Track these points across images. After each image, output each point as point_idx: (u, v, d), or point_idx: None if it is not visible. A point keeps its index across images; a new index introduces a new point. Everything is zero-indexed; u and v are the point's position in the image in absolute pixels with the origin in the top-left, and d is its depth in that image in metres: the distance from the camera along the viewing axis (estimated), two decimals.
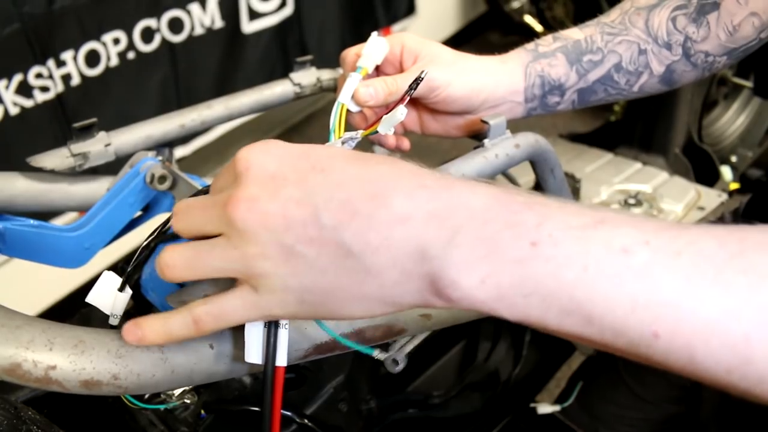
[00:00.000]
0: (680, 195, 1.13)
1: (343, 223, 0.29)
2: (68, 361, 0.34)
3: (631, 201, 1.11)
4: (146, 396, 0.53)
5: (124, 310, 0.45)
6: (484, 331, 0.88)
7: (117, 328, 0.45)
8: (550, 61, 0.60)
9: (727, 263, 0.26)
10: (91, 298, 0.40)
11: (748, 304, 0.25)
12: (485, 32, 2.85)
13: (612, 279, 0.27)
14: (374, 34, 0.57)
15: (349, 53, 0.57)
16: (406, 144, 0.61)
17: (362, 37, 0.57)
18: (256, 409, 0.53)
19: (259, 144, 0.32)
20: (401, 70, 0.58)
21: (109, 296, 0.40)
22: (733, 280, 0.26)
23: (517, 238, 0.28)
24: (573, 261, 0.27)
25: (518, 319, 0.29)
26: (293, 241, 0.29)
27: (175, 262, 0.32)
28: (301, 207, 0.30)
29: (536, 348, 0.92)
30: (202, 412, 0.53)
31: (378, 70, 0.59)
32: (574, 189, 1.07)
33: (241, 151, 0.32)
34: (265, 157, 0.31)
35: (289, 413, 0.54)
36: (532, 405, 0.95)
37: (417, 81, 0.50)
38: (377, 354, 0.39)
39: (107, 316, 0.46)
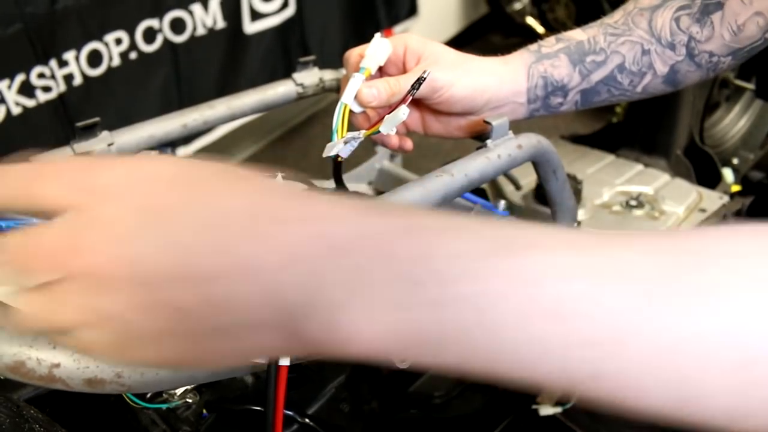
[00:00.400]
0: (682, 197, 1.13)
1: (211, 275, 0.25)
2: (72, 359, 0.34)
3: (633, 203, 1.11)
4: (148, 395, 0.53)
5: None
6: None
7: None
8: (553, 62, 0.60)
9: (659, 278, 0.23)
10: None
11: (686, 328, 0.22)
12: (487, 34, 2.85)
13: (526, 319, 0.23)
14: (377, 35, 0.57)
15: (353, 54, 0.58)
16: (408, 144, 0.62)
17: (364, 38, 0.57)
18: (258, 408, 0.53)
19: (122, 167, 0.26)
20: (404, 70, 0.58)
21: None
22: (666, 299, 0.23)
23: (416, 280, 0.24)
24: (483, 300, 0.23)
25: (414, 364, 0.25)
26: (154, 290, 0.25)
27: (25, 314, 0.26)
28: (168, 256, 0.25)
29: None
30: (204, 411, 0.53)
31: (381, 71, 0.59)
32: (576, 190, 1.07)
33: (99, 173, 0.26)
34: (125, 187, 0.26)
35: (290, 413, 0.55)
36: (533, 407, 0.95)
37: (419, 81, 0.50)
38: None
39: None
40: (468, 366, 0.24)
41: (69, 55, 1.47)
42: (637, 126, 1.31)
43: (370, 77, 0.56)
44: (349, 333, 0.24)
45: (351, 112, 0.55)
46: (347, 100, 0.54)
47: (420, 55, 0.57)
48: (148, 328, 0.25)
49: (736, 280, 0.23)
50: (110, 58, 1.55)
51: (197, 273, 0.24)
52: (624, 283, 0.23)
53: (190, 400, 0.52)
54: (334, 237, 0.25)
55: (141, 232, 0.25)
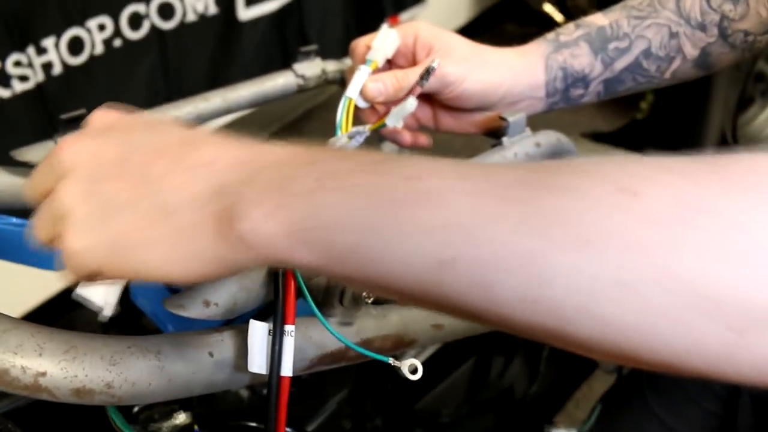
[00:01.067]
0: None
1: (150, 163, 0.32)
2: (59, 368, 0.35)
3: None
4: (135, 410, 0.53)
5: (117, 300, 0.45)
6: (498, 346, 0.89)
7: (109, 330, 0.45)
8: (572, 50, 0.60)
9: (516, 182, 0.27)
10: (81, 290, 0.40)
11: (535, 216, 0.26)
12: (501, 22, 2.86)
13: (397, 205, 0.28)
14: (385, 25, 0.58)
15: (359, 44, 0.58)
16: (423, 140, 0.62)
17: (368, 26, 0.58)
18: (255, 424, 0.54)
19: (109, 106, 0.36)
20: (414, 62, 0.58)
21: (100, 285, 0.40)
22: (520, 195, 0.26)
23: (310, 173, 0.30)
24: (360, 190, 0.28)
25: (311, 261, 0.29)
26: (98, 178, 0.32)
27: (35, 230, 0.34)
28: (116, 148, 0.32)
29: (554, 364, 0.93)
30: (196, 427, 0.54)
31: (390, 63, 0.59)
32: None
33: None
34: (106, 112, 0.35)
35: (289, 429, 0.55)
36: (546, 427, 0.95)
37: (428, 71, 0.51)
38: (393, 361, 0.40)
39: (93, 321, 0.47)
40: (357, 258, 0.28)
41: (48, 42, 1.48)
42: (664, 123, 1.32)
43: (377, 70, 0.57)
44: (263, 217, 0.29)
45: (356, 106, 0.56)
46: (352, 94, 0.55)
47: (431, 46, 0.57)
48: (80, 217, 0.31)
49: (580, 180, 0.26)
50: (93, 46, 1.56)
51: (131, 160, 0.32)
52: (466, 180, 0.28)
53: (178, 422, 0.53)
54: (238, 154, 0.32)
55: (102, 137, 0.33)
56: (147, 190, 0.31)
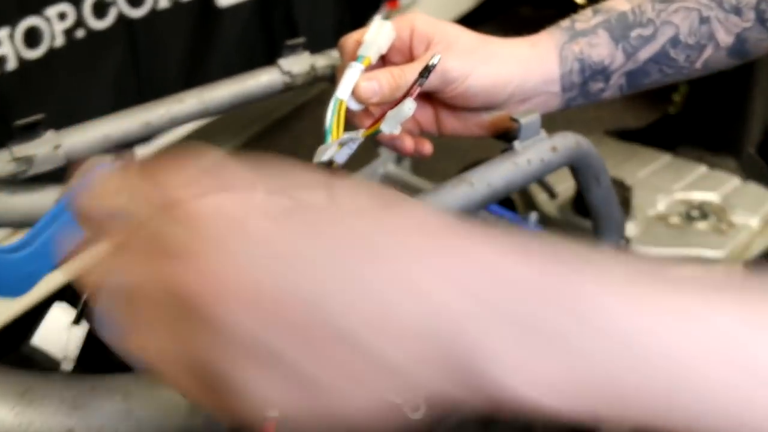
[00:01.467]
0: (756, 205, 1.13)
1: (322, 285, 0.27)
2: (13, 414, 0.35)
3: (695, 213, 1.11)
4: None
5: (77, 353, 0.46)
6: None
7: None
8: (590, 39, 0.61)
9: None
10: (39, 340, 0.40)
11: None
12: (514, 5, 2.87)
13: (730, 364, 0.27)
14: (378, 16, 0.58)
15: (349, 39, 0.58)
16: (427, 148, 0.62)
17: (361, 14, 0.58)
18: None
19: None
20: (411, 58, 0.59)
21: (61, 334, 0.41)
22: None
23: (576, 320, 0.27)
24: (662, 349, 0.27)
25: (589, 418, 0.29)
26: (259, 325, 0.27)
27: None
28: (269, 275, 0.27)
29: None
30: None
31: (384, 60, 0.60)
32: (623, 199, 1.07)
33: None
34: (228, 201, 0.29)
35: None
36: None
37: (427, 69, 0.51)
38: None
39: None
40: (636, 412, 0.28)
41: (1, 33, 1.48)
42: (700, 118, 1.32)
43: (371, 67, 0.57)
44: (526, 383, 0.27)
45: (348, 109, 0.56)
46: (343, 95, 0.55)
47: (430, 40, 0.58)
48: (257, 389, 0.28)
49: None
50: (52, 37, 1.56)
51: (301, 294, 0.27)
52: None
53: None
54: (474, 283, 0.28)
55: (242, 257, 0.27)
56: (339, 338, 0.27)
